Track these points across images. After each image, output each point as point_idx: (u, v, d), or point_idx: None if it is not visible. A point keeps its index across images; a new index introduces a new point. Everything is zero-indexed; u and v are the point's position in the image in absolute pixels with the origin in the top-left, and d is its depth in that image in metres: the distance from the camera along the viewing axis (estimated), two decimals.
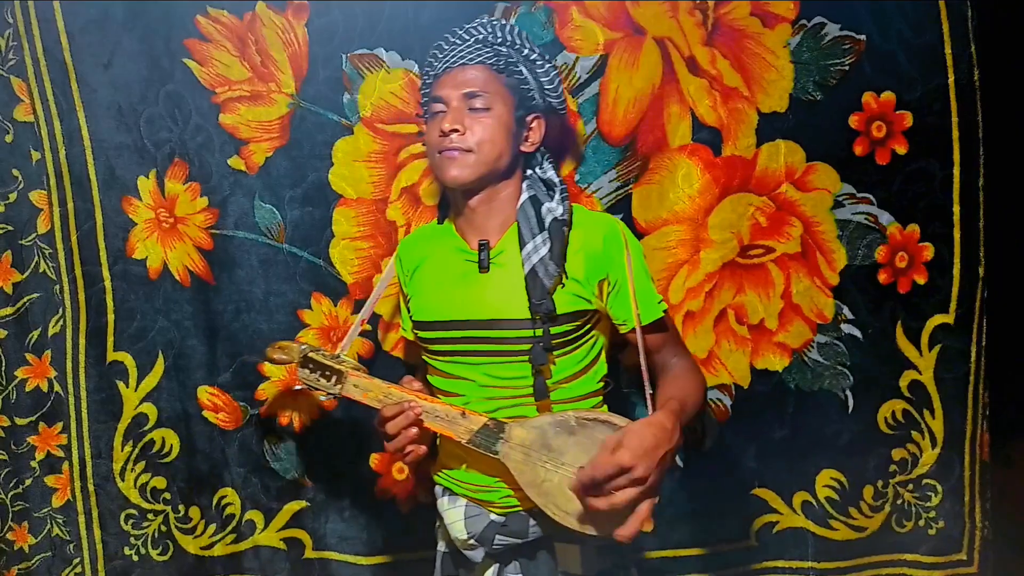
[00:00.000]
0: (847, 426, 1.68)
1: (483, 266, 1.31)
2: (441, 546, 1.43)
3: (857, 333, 1.66)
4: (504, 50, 1.31)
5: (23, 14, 1.60)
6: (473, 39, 1.31)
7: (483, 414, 1.25)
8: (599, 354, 1.35)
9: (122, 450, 1.72)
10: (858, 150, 1.60)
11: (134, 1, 1.59)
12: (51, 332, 1.71)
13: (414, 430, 1.25)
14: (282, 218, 1.65)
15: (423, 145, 1.40)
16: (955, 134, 1.59)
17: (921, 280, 1.64)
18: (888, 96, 1.57)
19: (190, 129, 1.63)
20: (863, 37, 1.55)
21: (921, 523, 1.71)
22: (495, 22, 1.33)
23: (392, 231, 1.65)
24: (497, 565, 1.32)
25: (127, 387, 1.70)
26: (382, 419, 1.27)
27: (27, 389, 1.73)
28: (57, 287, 1.69)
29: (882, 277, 1.64)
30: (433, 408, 1.26)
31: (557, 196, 1.32)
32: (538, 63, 1.34)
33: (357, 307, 1.67)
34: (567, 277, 1.27)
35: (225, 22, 1.60)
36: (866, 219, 1.62)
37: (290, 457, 1.73)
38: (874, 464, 1.70)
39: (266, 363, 1.69)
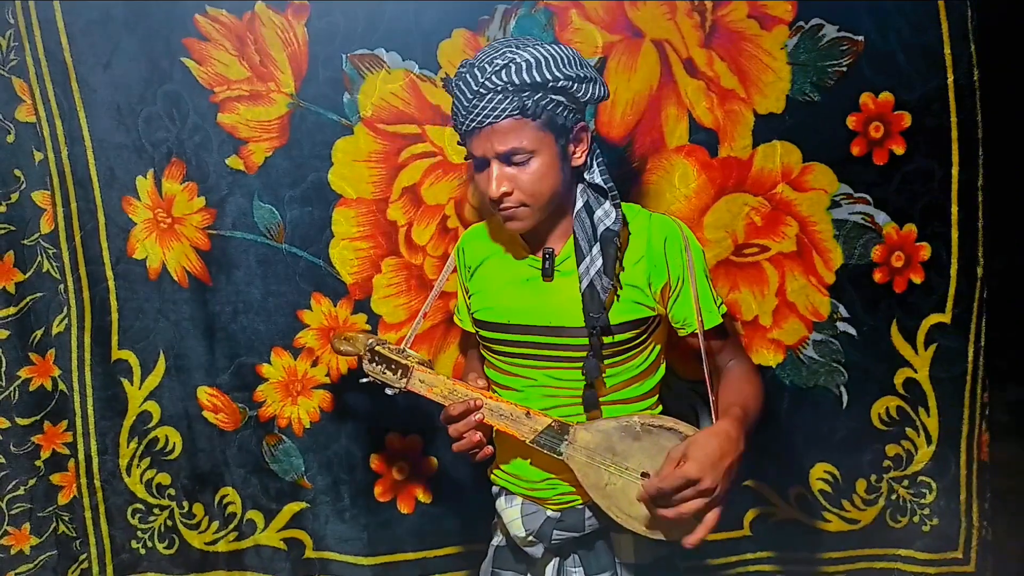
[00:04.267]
0: (841, 422, 1.69)
1: (547, 275, 1.30)
2: (496, 540, 1.45)
3: (852, 331, 1.66)
4: (528, 95, 1.16)
5: (24, 14, 1.60)
6: (493, 91, 1.16)
7: (547, 415, 1.25)
8: (657, 358, 1.34)
9: (128, 446, 1.74)
10: (855, 150, 1.59)
11: (134, 1, 1.59)
12: (55, 331, 1.72)
13: (479, 434, 1.26)
14: (281, 218, 1.65)
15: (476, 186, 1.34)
16: (954, 134, 1.58)
17: (917, 279, 1.64)
18: (886, 97, 1.57)
19: (187, 128, 1.63)
20: (861, 38, 1.54)
21: (915, 519, 1.72)
22: (515, 63, 1.16)
23: (392, 231, 1.66)
24: (557, 559, 1.34)
25: (131, 385, 1.72)
26: (448, 417, 1.28)
27: (30, 389, 1.74)
28: (62, 286, 1.70)
29: (878, 276, 1.64)
30: (498, 407, 1.27)
31: (608, 203, 1.26)
32: (572, 86, 1.19)
33: (357, 308, 1.68)
34: (621, 288, 1.26)
35: (224, 21, 1.60)
36: (863, 219, 1.62)
37: (289, 459, 1.75)
38: (868, 459, 1.71)
39: (264, 365, 1.71)
